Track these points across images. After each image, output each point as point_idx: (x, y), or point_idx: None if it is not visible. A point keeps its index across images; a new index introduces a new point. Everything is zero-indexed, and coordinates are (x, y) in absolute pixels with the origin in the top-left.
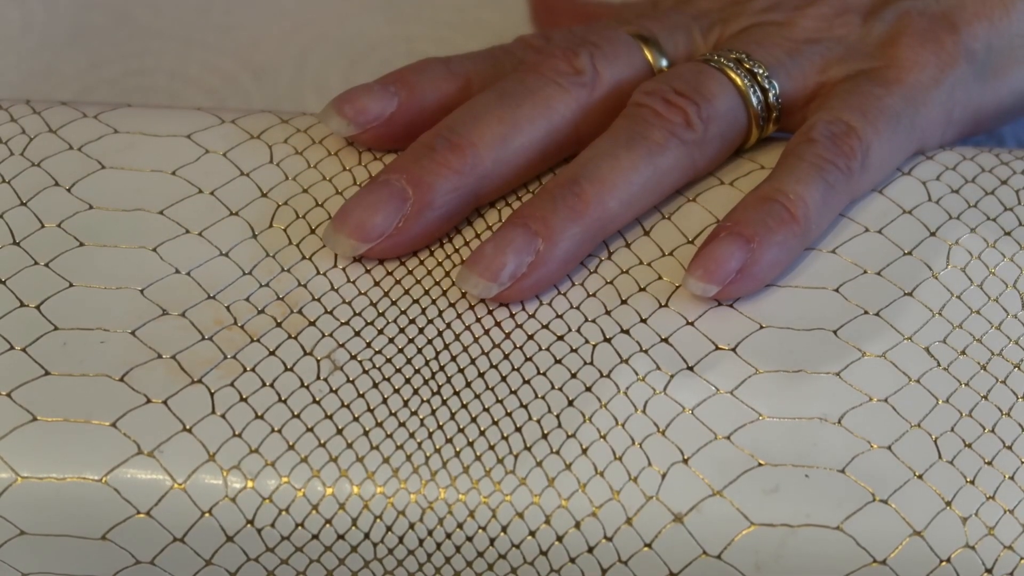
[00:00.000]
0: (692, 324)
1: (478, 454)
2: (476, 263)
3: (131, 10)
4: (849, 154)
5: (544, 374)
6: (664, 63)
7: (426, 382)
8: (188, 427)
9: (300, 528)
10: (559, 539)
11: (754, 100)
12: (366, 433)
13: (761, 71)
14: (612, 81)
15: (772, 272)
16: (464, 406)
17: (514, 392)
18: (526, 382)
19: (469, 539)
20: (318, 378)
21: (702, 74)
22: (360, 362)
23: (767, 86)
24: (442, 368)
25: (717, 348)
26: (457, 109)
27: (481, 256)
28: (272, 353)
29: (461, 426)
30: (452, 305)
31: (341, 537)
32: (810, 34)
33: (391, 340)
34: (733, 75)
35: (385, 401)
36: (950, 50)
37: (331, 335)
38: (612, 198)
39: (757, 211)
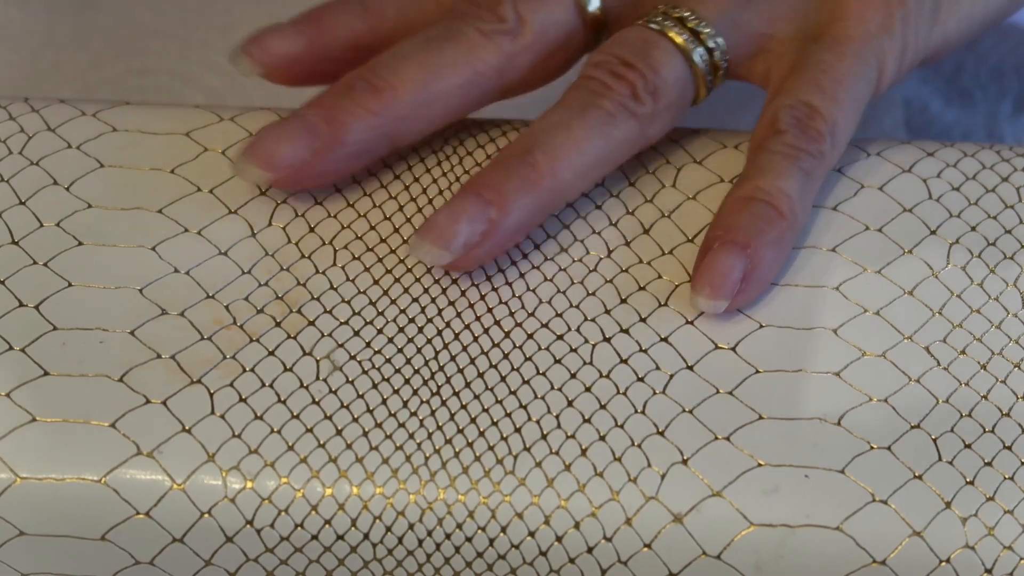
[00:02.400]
0: (692, 323)
1: (477, 454)
2: (429, 231)
3: (132, 10)
4: (818, 138)
5: (543, 374)
6: (594, 4)
7: (425, 382)
8: (187, 427)
9: (299, 529)
10: (558, 539)
11: (699, 61)
12: (365, 434)
13: (706, 30)
14: (538, 27)
15: (773, 272)
16: (463, 406)
17: (513, 392)
18: (525, 382)
19: (468, 540)
20: (317, 378)
21: (648, 43)
22: (359, 362)
23: (712, 45)
24: (441, 368)
25: (717, 347)
26: (382, 53)
27: (435, 224)
28: (271, 353)
29: (460, 426)
30: (452, 304)
31: (340, 538)
32: None
33: (390, 340)
34: (678, 39)
35: (384, 401)
36: None
37: (330, 335)
38: (565, 168)
39: (745, 214)
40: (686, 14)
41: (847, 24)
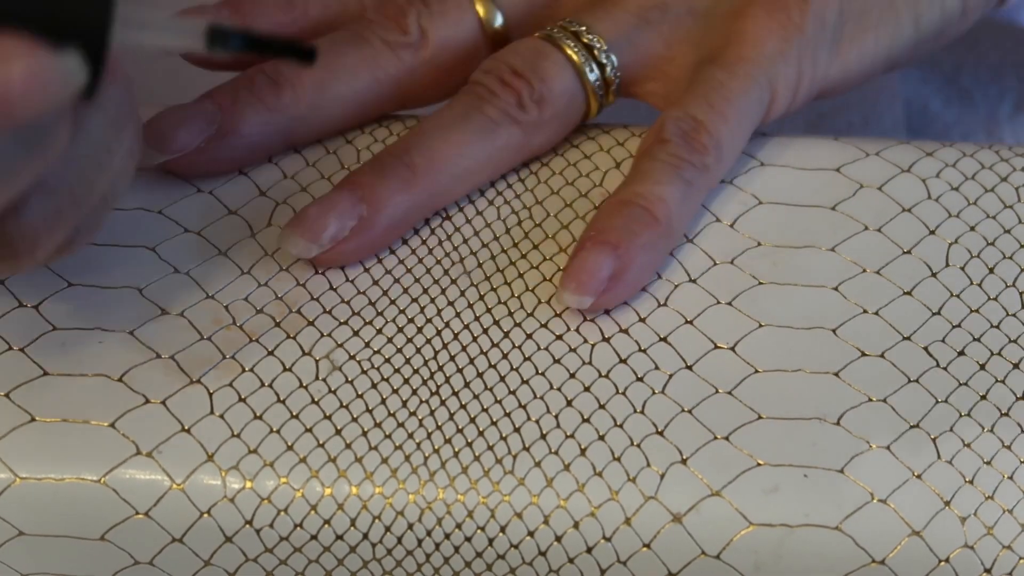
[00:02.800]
0: (691, 323)
1: (477, 454)
2: (298, 224)
3: None
4: (702, 150)
5: (543, 374)
6: (499, 19)
7: (424, 382)
8: (187, 427)
9: (299, 528)
10: (558, 539)
11: (591, 76)
12: (364, 433)
13: (599, 45)
14: (440, 43)
15: (644, 276)
16: (462, 406)
17: (512, 392)
18: (524, 382)
19: (468, 539)
20: (317, 378)
21: (539, 54)
22: (359, 362)
23: (604, 61)
24: (440, 368)
25: (716, 347)
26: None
27: (304, 217)
28: (271, 353)
29: (459, 426)
30: (451, 304)
31: (340, 537)
32: None
33: (390, 340)
34: (570, 52)
35: (384, 401)
36: (797, 20)
37: (330, 335)
38: (442, 171)
39: (619, 217)
40: (582, 29)
41: (742, 47)
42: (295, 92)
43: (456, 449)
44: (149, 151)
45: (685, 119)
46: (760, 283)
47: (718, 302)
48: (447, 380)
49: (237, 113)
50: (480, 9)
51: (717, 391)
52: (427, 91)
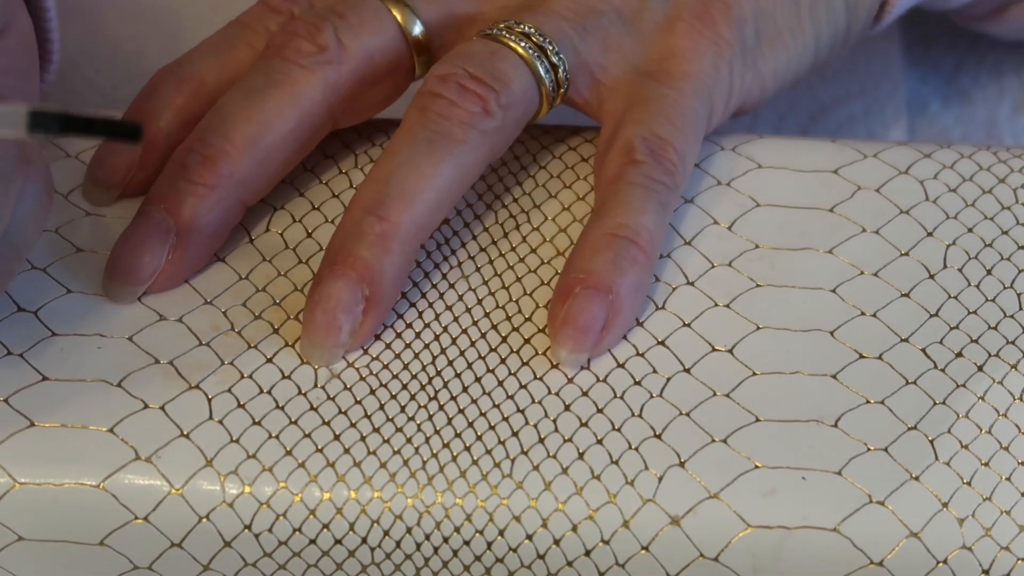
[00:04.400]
0: (689, 326)
1: (475, 458)
2: (313, 334)
3: (138, 35)
4: (672, 169)
5: (540, 378)
6: (418, 27)
7: (423, 387)
8: (186, 432)
9: (297, 533)
10: (556, 542)
11: (546, 79)
12: (363, 438)
13: (551, 46)
14: (361, 52)
15: (635, 312)
16: (460, 411)
17: (510, 397)
18: (522, 387)
19: (466, 543)
20: (315, 385)
21: (496, 56)
22: (357, 369)
23: (556, 61)
24: (438, 373)
25: (714, 350)
26: (205, 116)
27: (315, 327)
28: (269, 360)
29: (458, 431)
30: (449, 308)
31: (338, 542)
32: (591, 2)
33: (388, 346)
34: (524, 53)
35: (382, 407)
36: (726, 35)
37: None
38: (421, 212)
39: (606, 254)
40: (531, 29)
41: (681, 62)
42: (231, 160)
43: (454, 453)
44: (125, 287)
45: (652, 138)
46: (758, 285)
47: (716, 305)
48: (445, 385)
49: (187, 210)
50: (398, 16)
51: (715, 394)
52: (355, 106)
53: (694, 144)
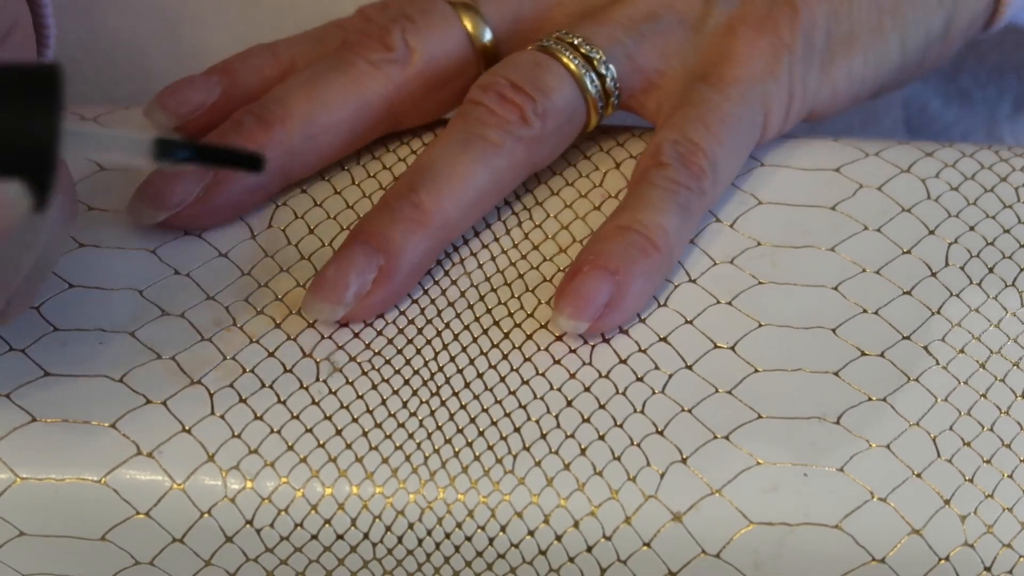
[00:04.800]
0: (691, 323)
1: (477, 454)
2: (319, 288)
3: (137, 32)
4: (699, 174)
5: (543, 374)
6: (488, 34)
7: (425, 383)
8: (187, 428)
9: (299, 528)
10: (558, 538)
11: (591, 88)
12: (365, 434)
13: (598, 56)
14: (427, 57)
15: (639, 302)
16: (463, 406)
17: (512, 392)
18: (524, 382)
19: (468, 539)
20: (317, 379)
21: (539, 67)
22: (359, 363)
23: (603, 71)
24: (441, 369)
25: (716, 347)
26: (272, 88)
27: (324, 281)
28: (271, 354)
29: (460, 426)
30: (451, 304)
31: (340, 537)
32: (652, 7)
33: (390, 341)
34: (569, 63)
35: (384, 402)
36: (787, 40)
37: (330, 336)
38: (451, 205)
39: (618, 243)
40: (578, 40)
41: (733, 66)
42: (285, 128)
43: (456, 449)
44: (148, 210)
45: (683, 142)
46: (760, 283)
47: (718, 302)
48: (447, 381)
49: None
50: (468, 24)
51: (717, 390)
52: (420, 107)
53: (732, 150)
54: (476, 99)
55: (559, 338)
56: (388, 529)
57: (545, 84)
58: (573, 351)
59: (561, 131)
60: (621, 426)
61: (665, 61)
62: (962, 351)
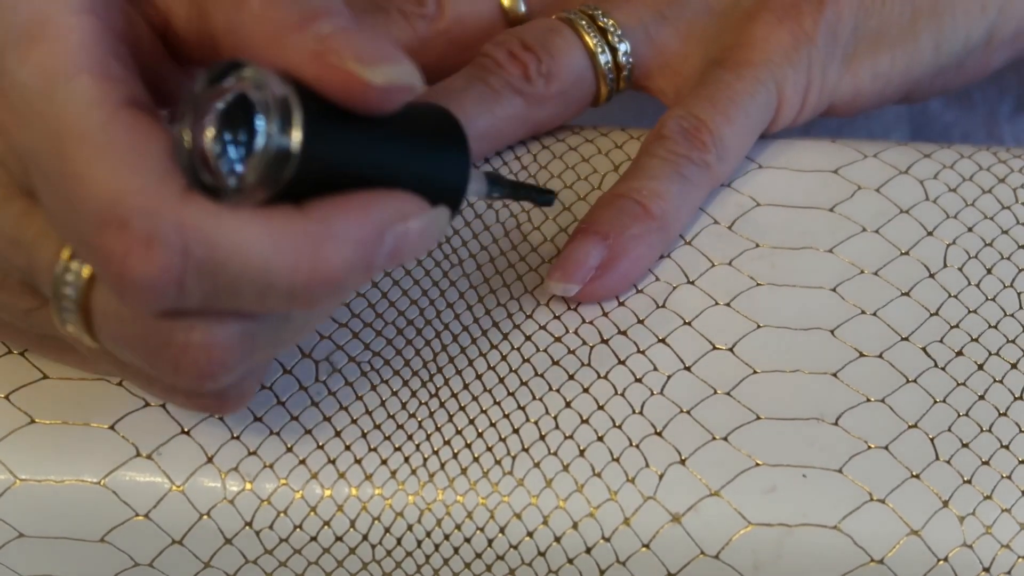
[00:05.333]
0: (689, 324)
1: (476, 456)
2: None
3: None
4: (702, 148)
5: (542, 375)
6: (522, 7)
7: (424, 384)
8: (186, 430)
9: (298, 530)
10: (557, 540)
11: (602, 58)
12: (364, 435)
13: (613, 28)
14: (456, 15)
15: (634, 267)
16: (462, 408)
17: (511, 394)
18: (523, 384)
19: (467, 540)
20: (316, 380)
21: (552, 31)
22: (358, 364)
23: (616, 44)
24: (440, 370)
25: (714, 348)
26: None
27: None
28: None
29: (459, 428)
30: (450, 306)
31: (339, 539)
32: None
33: (389, 342)
34: (583, 32)
35: (383, 403)
36: (808, 29)
37: (329, 337)
38: None
39: (610, 209)
40: (597, 12)
41: (750, 50)
42: None
43: (455, 450)
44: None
45: (687, 117)
46: (758, 284)
47: (716, 303)
48: (446, 382)
49: None
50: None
51: (716, 392)
52: (439, 64)
53: (740, 128)
54: (486, 52)
55: (558, 339)
56: (387, 531)
57: (554, 46)
58: (572, 352)
59: (566, 95)
60: (620, 427)
61: (685, 45)
62: (960, 352)
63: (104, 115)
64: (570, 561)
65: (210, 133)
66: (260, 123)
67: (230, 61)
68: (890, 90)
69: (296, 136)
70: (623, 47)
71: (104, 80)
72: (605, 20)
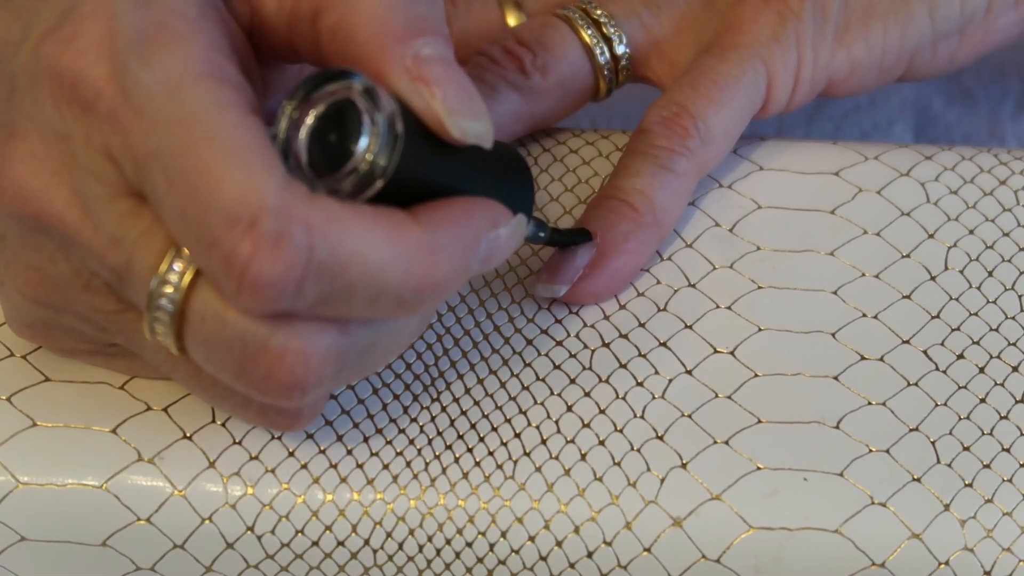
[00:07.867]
0: (690, 327)
1: (477, 460)
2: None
3: None
4: (683, 134)
5: (543, 380)
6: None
7: (425, 388)
8: (188, 434)
9: (300, 535)
10: (558, 544)
11: (597, 51)
12: (366, 439)
13: (606, 20)
14: (460, 35)
15: (625, 266)
16: (463, 412)
17: (513, 398)
18: (525, 388)
19: (468, 545)
20: None
21: (547, 26)
22: None
23: (611, 35)
24: (441, 374)
25: (716, 352)
26: None
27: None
28: None
29: (460, 432)
30: (451, 309)
31: (341, 543)
32: None
33: None
34: (577, 25)
35: (385, 407)
36: (794, 6)
37: None
38: None
39: (597, 210)
40: (591, 5)
41: (736, 33)
42: None
43: (457, 455)
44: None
45: (667, 106)
46: (759, 287)
47: (717, 306)
48: (448, 386)
49: None
50: (508, 15)
51: (717, 395)
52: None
53: (725, 110)
54: (483, 50)
55: (559, 343)
56: (389, 535)
57: (548, 40)
58: (573, 356)
59: (563, 88)
60: (621, 431)
61: (679, 34)
62: (961, 355)
63: (235, 117)
64: (572, 565)
65: (304, 136)
66: (364, 138)
67: (338, 69)
68: (888, 62)
69: (396, 153)
70: (618, 38)
71: (226, 84)
72: (598, 13)
